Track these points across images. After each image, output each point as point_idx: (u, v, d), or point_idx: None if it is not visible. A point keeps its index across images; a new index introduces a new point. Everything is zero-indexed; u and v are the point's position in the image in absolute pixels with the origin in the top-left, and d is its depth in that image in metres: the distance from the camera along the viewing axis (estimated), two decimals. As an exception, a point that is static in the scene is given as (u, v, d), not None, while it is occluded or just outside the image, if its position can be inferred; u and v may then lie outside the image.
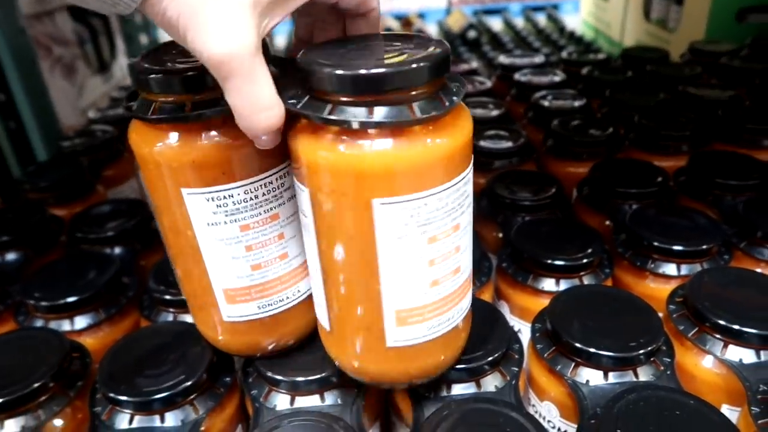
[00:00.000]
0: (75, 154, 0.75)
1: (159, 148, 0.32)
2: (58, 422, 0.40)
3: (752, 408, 0.36)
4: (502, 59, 0.99)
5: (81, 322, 0.48)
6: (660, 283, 0.50)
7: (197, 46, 0.26)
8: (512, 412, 0.35)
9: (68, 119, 1.12)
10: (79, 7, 0.26)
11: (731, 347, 0.41)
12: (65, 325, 0.48)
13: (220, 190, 0.33)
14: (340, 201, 0.30)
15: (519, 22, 1.90)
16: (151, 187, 0.34)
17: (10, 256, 0.57)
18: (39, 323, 0.49)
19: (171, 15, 0.27)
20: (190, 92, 0.31)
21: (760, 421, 0.35)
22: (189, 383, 0.39)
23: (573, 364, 0.40)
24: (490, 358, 0.39)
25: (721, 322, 0.41)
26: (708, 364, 0.42)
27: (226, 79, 0.27)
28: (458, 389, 0.39)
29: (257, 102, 0.28)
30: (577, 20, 1.78)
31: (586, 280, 0.49)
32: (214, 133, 0.32)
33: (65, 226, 0.62)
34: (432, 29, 1.81)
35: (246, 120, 0.28)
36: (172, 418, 0.38)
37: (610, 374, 0.39)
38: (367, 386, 0.39)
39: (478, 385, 0.39)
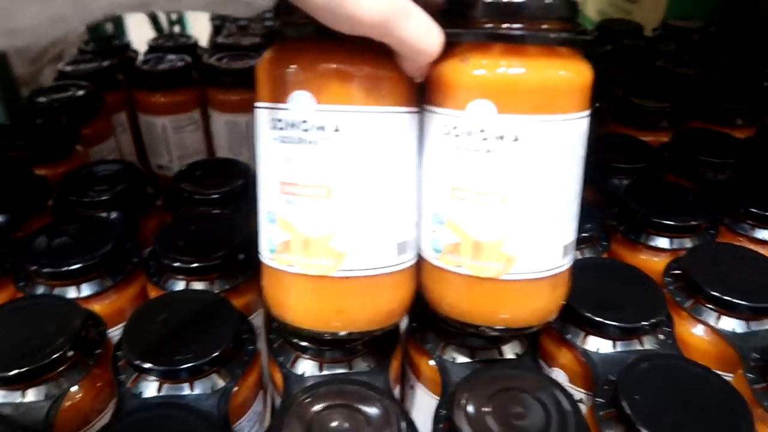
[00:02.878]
0: (51, 111, 0.71)
1: None
2: (77, 390, 0.40)
3: (748, 374, 0.40)
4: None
5: (87, 289, 0.47)
6: (651, 256, 0.53)
7: (355, 9, 0.28)
8: (536, 375, 0.37)
9: (18, 68, 1.05)
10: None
11: (724, 318, 0.44)
12: (71, 293, 0.47)
13: None
14: None
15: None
16: None
17: (-1, 219, 0.55)
18: (41, 290, 0.48)
19: None
20: None
21: (755, 386, 0.39)
22: (218, 352, 0.39)
23: (583, 334, 0.43)
24: (513, 327, 0.41)
25: (716, 295, 0.44)
26: (702, 334, 0.45)
27: (393, 23, 0.29)
28: (482, 356, 0.41)
29: (424, 24, 0.31)
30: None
31: (587, 254, 0.52)
32: None
33: (52, 189, 0.60)
34: None
35: (420, 46, 0.31)
36: (200, 387, 0.39)
37: (618, 343, 0.42)
38: (393, 351, 0.41)
39: (500, 352, 0.41)
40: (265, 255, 0.37)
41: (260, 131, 0.35)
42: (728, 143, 0.65)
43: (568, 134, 0.34)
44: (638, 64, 0.85)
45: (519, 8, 0.33)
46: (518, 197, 0.34)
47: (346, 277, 0.34)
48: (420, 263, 0.38)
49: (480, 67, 0.32)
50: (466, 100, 0.33)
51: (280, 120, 0.33)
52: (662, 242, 0.53)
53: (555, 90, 0.33)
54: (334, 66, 0.32)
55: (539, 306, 0.37)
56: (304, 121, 0.32)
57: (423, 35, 0.31)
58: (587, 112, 0.35)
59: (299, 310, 0.36)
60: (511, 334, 0.38)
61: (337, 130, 0.32)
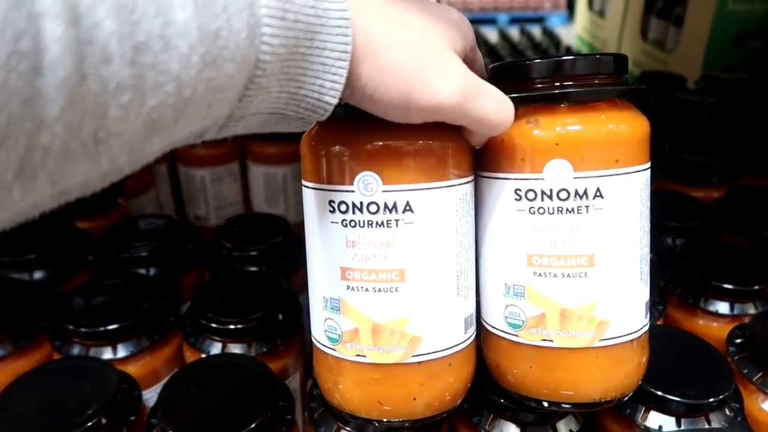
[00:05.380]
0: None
1: None
2: (110, 459, 0.38)
3: (831, 460, 0.36)
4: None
5: (123, 350, 0.46)
6: (710, 321, 0.50)
7: (432, 97, 0.27)
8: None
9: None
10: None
11: (799, 393, 0.41)
12: (107, 353, 0.46)
13: None
14: None
15: (514, 34, 1.90)
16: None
17: (39, 274, 0.55)
18: (77, 349, 0.47)
19: (389, 86, 0.26)
20: None
21: (841, 474, 0.35)
22: (254, 424, 0.37)
23: (644, 410, 0.40)
24: (569, 404, 0.38)
25: (788, 368, 0.41)
26: (773, 410, 0.42)
27: (470, 104, 0.28)
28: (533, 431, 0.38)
29: (498, 98, 0.30)
30: (568, 34, 1.79)
31: (642, 318, 0.49)
32: None
33: (93, 242, 0.60)
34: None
35: (500, 117, 0.30)
36: (236, 460, 0.37)
37: (683, 420, 0.39)
38: (440, 424, 0.39)
39: (554, 428, 0.38)
40: (324, 344, 0.34)
41: (314, 213, 0.33)
42: (786, 201, 0.62)
43: (643, 185, 0.33)
44: (683, 117, 0.83)
45: (580, 65, 0.32)
46: (607, 255, 0.32)
47: (420, 363, 0.32)
48: (486, 338, 0.37)
49: (553, 127, 0.31)
50: (543, 162, 0.31)
51: (342, 202, 0.31)
52: (722, 307, 0.49)
53: (628, 141, 0.32)
54: (401, 143, 0.30)
55: (630, 372, 0.35)
56: (372, 203, 0.30)
57: (498, 110, 0.30)
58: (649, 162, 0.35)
59: (367, 400, 0.33)
60: (601, 408, 0.35)
61: (408, 210, 0.30)
